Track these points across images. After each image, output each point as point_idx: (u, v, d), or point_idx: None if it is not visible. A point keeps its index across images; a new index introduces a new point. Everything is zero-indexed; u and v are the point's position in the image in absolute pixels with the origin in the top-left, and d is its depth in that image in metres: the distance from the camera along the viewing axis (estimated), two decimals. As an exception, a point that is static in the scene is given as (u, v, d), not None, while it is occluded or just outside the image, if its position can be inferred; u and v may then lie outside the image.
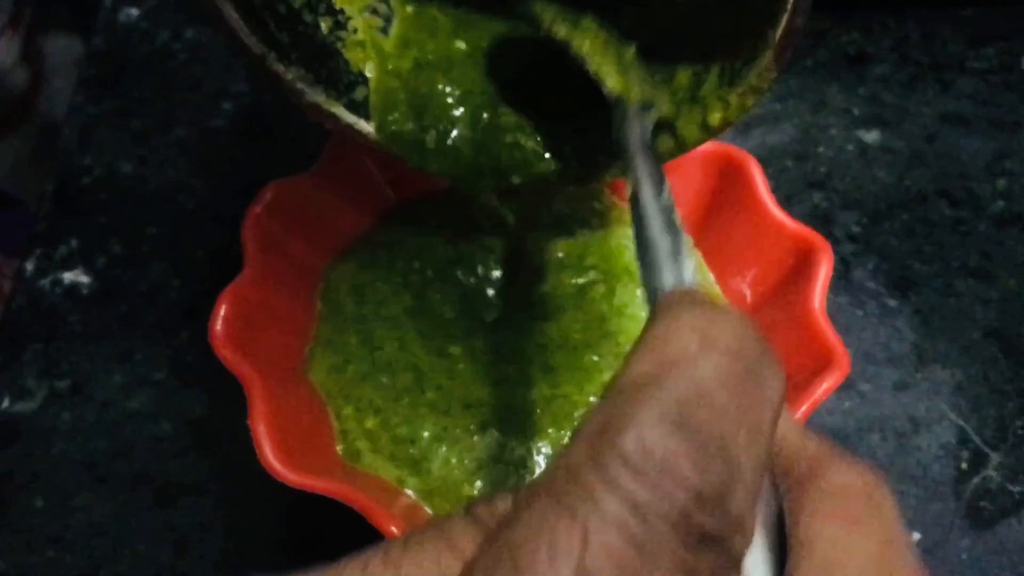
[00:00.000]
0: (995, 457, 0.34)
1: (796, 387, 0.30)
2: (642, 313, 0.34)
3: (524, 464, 0.30)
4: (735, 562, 0.15)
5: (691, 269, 0.18)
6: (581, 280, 0.34)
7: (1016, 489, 0.33)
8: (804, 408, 0.29)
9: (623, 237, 0.36)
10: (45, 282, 0.38)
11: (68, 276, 0.38)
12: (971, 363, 0.36)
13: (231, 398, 0.35)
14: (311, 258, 0.34)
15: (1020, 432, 0.35)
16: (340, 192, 0.35)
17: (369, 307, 0.33)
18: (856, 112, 0.43)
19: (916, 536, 0.32)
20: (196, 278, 0.38)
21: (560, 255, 0.35)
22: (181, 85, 0.44)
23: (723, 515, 0.14)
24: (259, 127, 0.42)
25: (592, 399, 0.32)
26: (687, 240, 0.21)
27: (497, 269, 0.34)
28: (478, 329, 0.33)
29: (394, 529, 0.26)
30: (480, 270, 0.34)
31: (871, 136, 0.42)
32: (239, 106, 0.43)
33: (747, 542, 0.15)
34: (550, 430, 0.31)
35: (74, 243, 0.39)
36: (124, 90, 0.44)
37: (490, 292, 0.34)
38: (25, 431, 0.34)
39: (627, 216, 0.36)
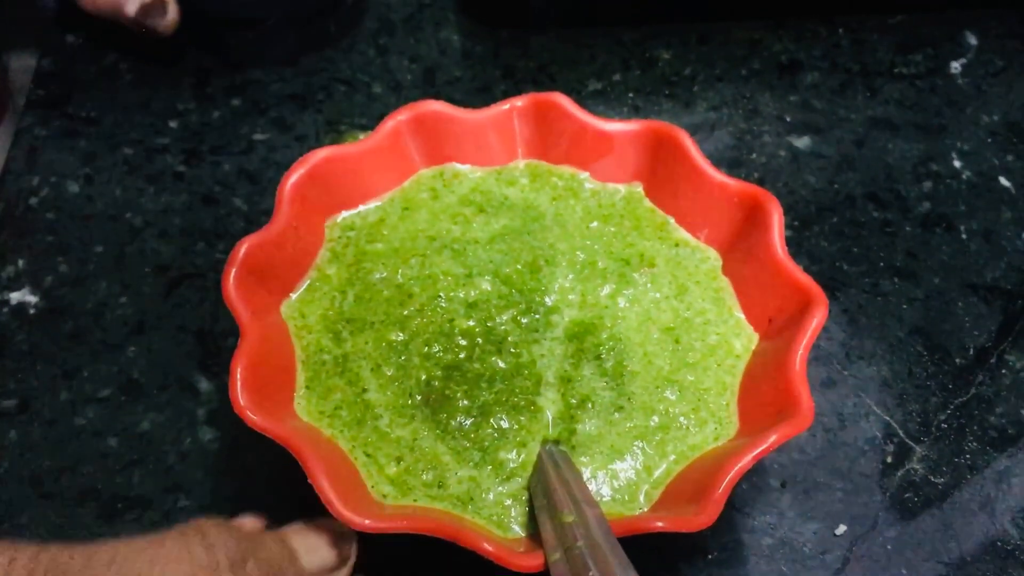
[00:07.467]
0: (919, 450, 0.35)
1: (781, 328, 0.32)
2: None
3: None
4: None
5: None
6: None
7: (939, 481, 0.35)
8: (804, 343, 0.30)
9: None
10: (-8, 302, 0.38)
11: (15, 296, 0.39)
12: (896, 360, 0.37)
13: (177, 413, 0.36)
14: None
15: (943, 426, 0.36)
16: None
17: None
18: (788, 119, 0.44)
19: (842, 528, 0.33)
20: (142, 295, 0.39)
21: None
22: (127, 104, 0.44)
23: None
24: (204, 145, 0.43)
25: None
26: None
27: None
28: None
29: (325, 484, 0.27)
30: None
31: (802, 142, 0.44)
32: (184, 124, 0.44)
33: None
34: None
35: (21, 263, 0.39)
36: (71, 110, 0.44)
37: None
38: (-28, 450, 0.35)
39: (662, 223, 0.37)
